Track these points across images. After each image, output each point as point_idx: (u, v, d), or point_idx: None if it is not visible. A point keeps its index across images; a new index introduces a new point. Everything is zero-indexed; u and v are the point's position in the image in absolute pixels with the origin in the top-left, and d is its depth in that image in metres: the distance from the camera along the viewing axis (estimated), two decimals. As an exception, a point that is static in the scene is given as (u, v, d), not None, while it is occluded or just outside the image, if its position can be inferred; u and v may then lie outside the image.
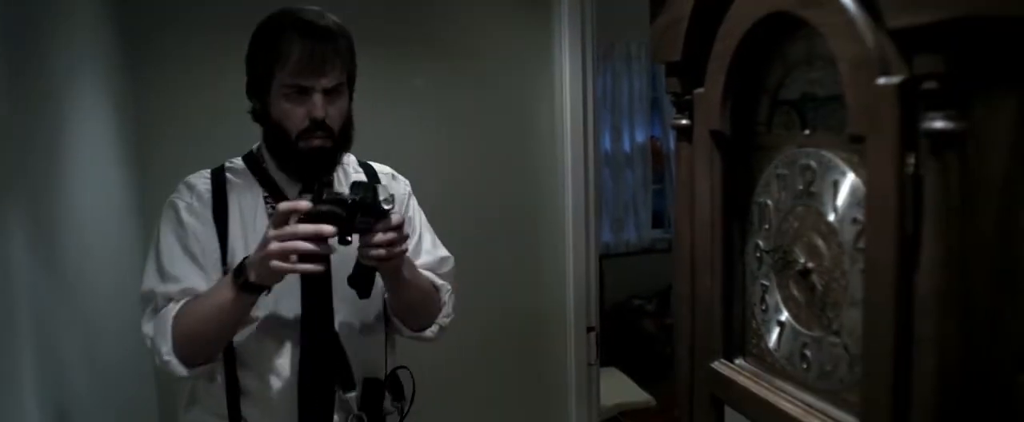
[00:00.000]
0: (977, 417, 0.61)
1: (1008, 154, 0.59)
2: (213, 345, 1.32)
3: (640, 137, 5.28)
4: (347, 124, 1.41)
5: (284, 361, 1.38)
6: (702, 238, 0.98)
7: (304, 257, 1.19)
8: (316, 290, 1.38)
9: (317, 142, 1.34)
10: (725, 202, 0.94)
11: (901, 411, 0.66)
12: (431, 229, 1.64)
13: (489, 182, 2.57)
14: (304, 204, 1.20)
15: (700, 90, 0.95)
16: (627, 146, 5.23)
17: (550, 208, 2.64)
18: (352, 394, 1.40)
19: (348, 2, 2.32)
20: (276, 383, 1.37)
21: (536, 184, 2.62)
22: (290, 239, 1.17)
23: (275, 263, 1.18)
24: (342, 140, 1.39)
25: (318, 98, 1.32)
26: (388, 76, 2.40)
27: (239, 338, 1.35)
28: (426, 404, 2.53)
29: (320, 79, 1.32)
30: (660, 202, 5.45)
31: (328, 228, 1.19)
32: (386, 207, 1.25)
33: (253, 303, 1.28)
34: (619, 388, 3.63)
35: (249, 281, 1.23)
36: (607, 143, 5.15)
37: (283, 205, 1.21)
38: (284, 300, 1.36)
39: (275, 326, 1.37)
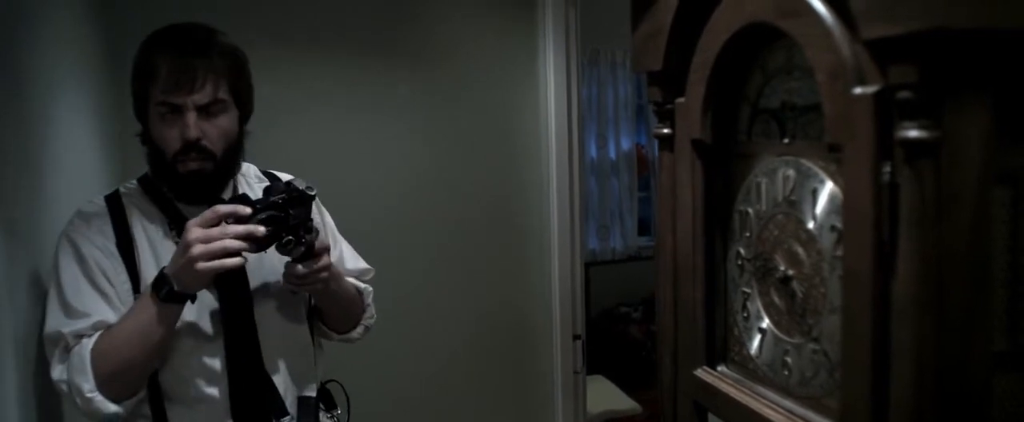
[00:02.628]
0: (953, 420, 0.62)
1: (980, 162, 0.60)
2: (139, 370, 1.25)
3: (626, 144, 5.31)
4: (233, 146, 1.34)
5: (213, 392, 1.32)
6: (684, 246, 0.99)
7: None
8: (237, 317, 1.34)
9: (193, 165, 1.27)
10: (707, 210, 0.95)
11: (879, 415, 0.66)
12: (346, 242, 1.64)
13: (474, 190, 2.57)
14: (244, 209, 1.21)
15: (681, 99, 0.96)
16: (612, 153, 5.25)
17: (536, 216, 2.64)
18: (286, 419, 1.37)
19: (333, 11, 2.34)
20: (207, 417, 1.32)
21: (521, 192, 2.63)
22: (219, 239, 1.17)
23: (201, 265, 1.16)
24: (225, 163, 1.32)
25: (191, 117, 1.25)
26: (373, 84, 2.41)
27: (164, 373, 1.31)
28: (411, 411, 2.54)
29: (191, 95, 1.24)
30: (646, 209, 5.48)
31: (260, 229, 1.20)
32: (311, 193, 1.29)
33: (178, 316, 1.24)
34: (605, 395, 3.63)
35: (173, 291, 1.20)
36: (593, 150, 5.17)
37: (223, 208, 1.20)
38: (204, 328, 1.33)
39: (198, 356, 1.32)
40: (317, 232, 1.34)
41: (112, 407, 1.23)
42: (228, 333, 1.33)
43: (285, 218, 1.25)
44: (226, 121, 1.31)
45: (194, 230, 1.18)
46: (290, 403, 1.40)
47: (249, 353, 1.35)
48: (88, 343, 1.23)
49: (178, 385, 1.31)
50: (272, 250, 1.29)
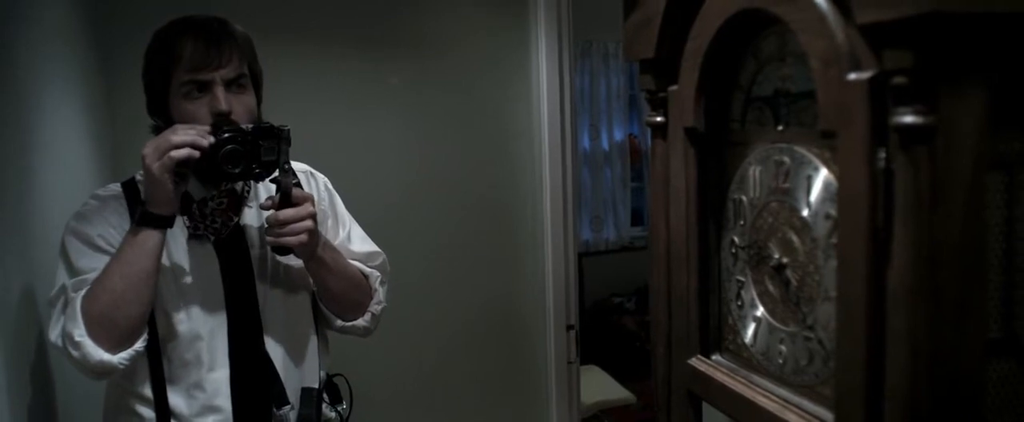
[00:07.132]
0: (947, 407, 0.62)
1: (975, 147, 0.59)
2: (125, 308, 1.21)
3: (618, 135, 5.31)
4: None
5: (215, 377, 1.33)
6: (678, 235, 0.98)
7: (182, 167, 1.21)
8: (241, 303, 1.34)
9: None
10: (700, 198, 0.95)
11: (874, 403, 0.66)
12: (359, 226, 1.61)
13: (467, 181, 2.56)
14: (202, 136, 1.21)
15: (674, 87, 0.95)
16: (605, 144, 5.25)
17: (529, 207, 2.64)
18: (287, 408, 1.37)
19: (322, 3, 2.32)
20: (209, 403, 1.33)
21: (515, 183, 2.62)
22: (165, 140, 1.19)
23: (154, 166, 1.17)
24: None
25: (219, 91, 1.26)
26: (365, 76, 2.39)
27: (166, 358, 1.31)
28: (405, 403, 2.53)
29: (218, 70, 1.26)
30: (639, 200, 5.48)
31: (204, 130, 1.22)
32: (282, 127, 1.28)
33: (157, 244, 1.23)
34: (599, 386, 3.63)
35: (146, 212, 1.21)
36: (585, 141, 5.17)
37: (180, 135, 1.19)
38: (210, 314, 1.33)
39: (202, 341, 1.32)
40: (296, 179, 1.32)
41: (103, 354, 1.19)
42: (232, 319, 1.34)
43: (256, 150, 1.25)
44: (249, 99, 1.32)
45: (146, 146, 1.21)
46: (293, 393, 1.39)
47: (252, 340, 1.35)
48: (80, 293, 1.22)
49: (180, 369, 1.31)
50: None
